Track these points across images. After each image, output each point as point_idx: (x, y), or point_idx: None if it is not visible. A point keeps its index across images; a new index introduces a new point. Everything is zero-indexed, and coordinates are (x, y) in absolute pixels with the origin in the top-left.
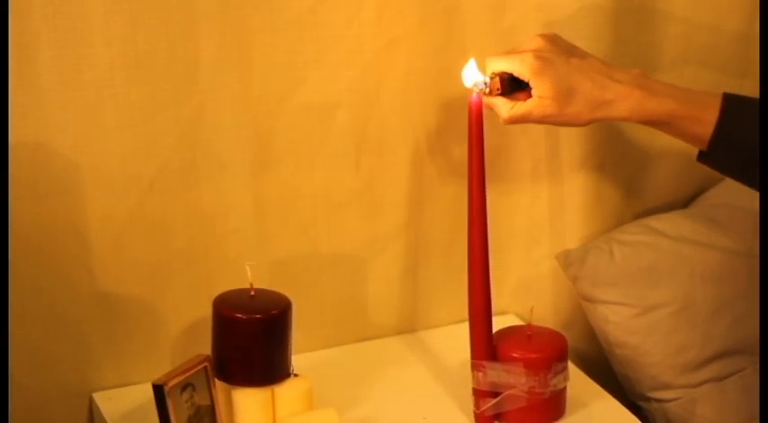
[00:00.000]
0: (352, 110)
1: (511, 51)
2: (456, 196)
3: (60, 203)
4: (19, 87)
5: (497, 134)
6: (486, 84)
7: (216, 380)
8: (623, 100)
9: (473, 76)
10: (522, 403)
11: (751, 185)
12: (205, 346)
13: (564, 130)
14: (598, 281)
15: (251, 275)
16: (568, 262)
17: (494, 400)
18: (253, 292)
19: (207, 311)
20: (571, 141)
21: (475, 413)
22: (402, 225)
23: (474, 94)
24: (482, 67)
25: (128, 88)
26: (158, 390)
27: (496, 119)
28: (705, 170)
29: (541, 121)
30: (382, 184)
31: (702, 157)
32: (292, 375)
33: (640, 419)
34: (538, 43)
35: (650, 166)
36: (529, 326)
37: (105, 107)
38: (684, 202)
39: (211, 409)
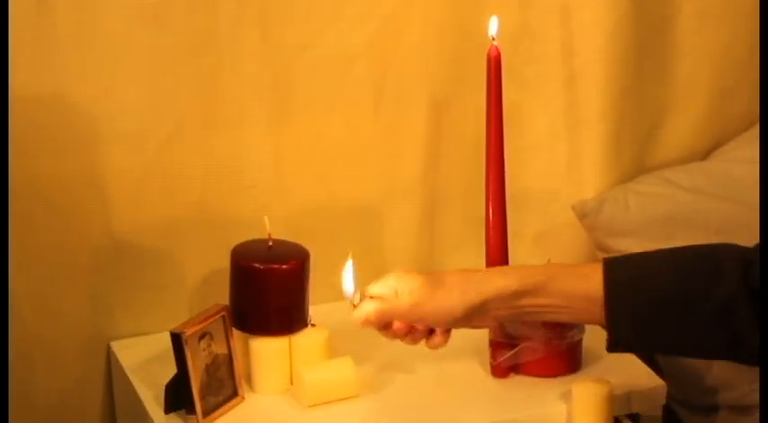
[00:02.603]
0: (370, 62)
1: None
2: (474, 148)
3: (78, 156)
4: (37, 39)
5: (516, 90)
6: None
7: (233, 329)
8: (494, 273)
9: (347, 286)
10: (538, 355)
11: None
12: (223, 297)
13: (581, 85)
14: (613, 231)
15: (269, 226)
16: (584, 212)
17: (510, 352)
18: (271, 243)
19: (225, 262)
20: (589, 96)
21: (491, 364)
22: (419, 177)
23: (492, 47)
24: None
25: (146, 40)
26: (176, 338)
27: (515, 73)
28: (722, 124)
29: (414, 314)
30: (400, 135)
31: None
32: (309, 325)
33: (655, 371)
34: None
35: (667, 119)
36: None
37: (123, 59)
38: (701, 155)
39: (229, 358)
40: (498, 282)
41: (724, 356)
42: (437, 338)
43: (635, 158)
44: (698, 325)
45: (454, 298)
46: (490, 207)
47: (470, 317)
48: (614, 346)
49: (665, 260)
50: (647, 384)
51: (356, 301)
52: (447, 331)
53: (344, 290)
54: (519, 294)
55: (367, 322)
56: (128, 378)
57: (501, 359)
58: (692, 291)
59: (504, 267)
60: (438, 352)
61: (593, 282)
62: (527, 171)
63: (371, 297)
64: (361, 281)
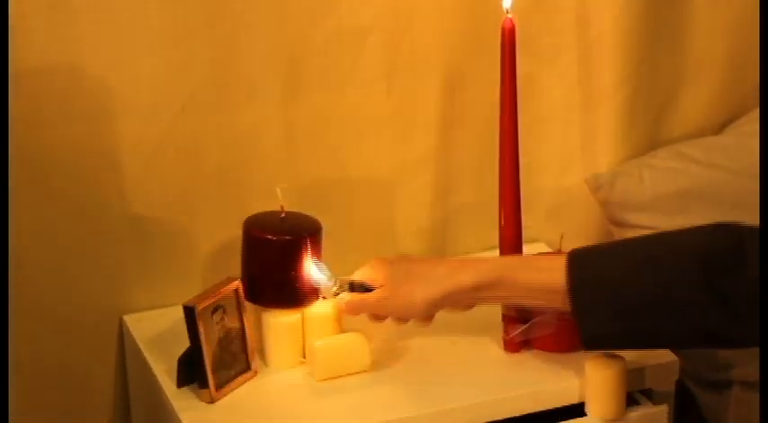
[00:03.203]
0: (383, 35)
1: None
2: (487, 122)
3: (92, 127)
4: (51, 9)
5: (529, 62)
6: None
7: (246, 302)
8: (454, 269)
9: (317, 278)
10: (550, 329)
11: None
12: (236, 269)
13: (596, 57)
14: (627, 205)
15: (282, 198)
16: (597, 185)
17: (523, 327)
18: (283, 215)
19: (237, 234)
20: (603, 68)
21: (504, 339)
22: (432, 150)
23: (507, 19)
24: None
25: (160, 11)
26: (189, 311)
27: (530, 46)
28: (737, 97)
29: (385, 306)
30: (413, 109)
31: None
32: (322, 298)
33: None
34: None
35: (682, 92)
36: (559, 252)
37: (137, 30)
38: (716, 129)
39: (241, 331)
40: (458, 276)
41: (701, 346)
42: (418, 323)
43: (649, 132)
44: (665, 320)
45: (417, 294)
46: (503, 180)
47: (435, 309)
48: (587, 344)
49: (628, 254)
50: (660, 360)
51: (335, 289)
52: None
53: (320, 283)
54: (479, 288)
55: (343, 313)
56: (140, 351)
57: (513, 334)
58: (655, 286)
59: (467, 261)
60: (451, 327)
61: (555, 275)
62: (541, 144)
63: (352, 283)
64: (374, 254)
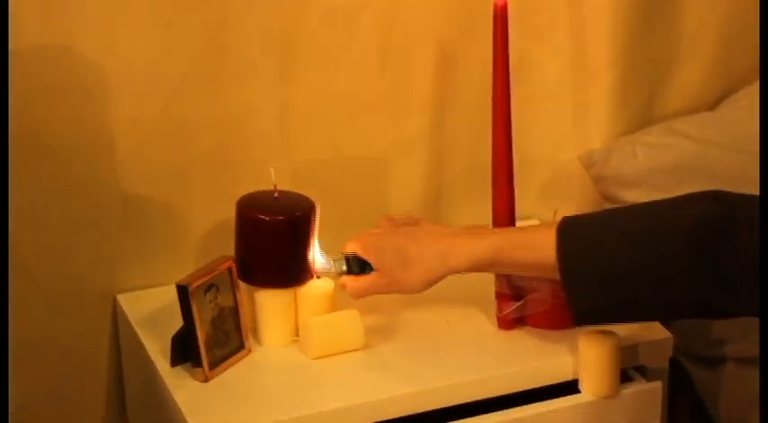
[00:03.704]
0: (377, 13)
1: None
2: (481, 100)
3: (85, 107)
4: None
5: (522, 39)
6: (333, 264)
7: (239, 281)
8: (446, 251)
9: (319, 259)
10: (544, 306)
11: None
12: (229, 249)
13: (589, 33)
14: (621, 182)
15: (275, 177)
16: (591, 162)
17: (516, 304)
18: (276, 194)
19: (231, 214)
20: (596, 46)
21: (498, 316)
22: (426, 129)
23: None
24: (325, 250)
25: None
26: (182, 290)
27: (522, 22)
28: (731, 73)
29: (385, 290)
30: (407, 87)
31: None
32: (315, 277)
33: (662, 323)
34: (379, 224)
35: (675, 68)
36: (553, 224)
37: (131, 10)
38: (710, 105)
39: (235, 310)
40: (451, 261)
41: (694, 317)
42: None
43: (643, 108)
44: (658, 291)
45: (412, 279)
46: (496, 158)
47: (432, 286)
48: (578, 318)
49: (618, 224)
50: (654, 336)
51: (337, 268)
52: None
53: (323, 265)
54: (472, 269)
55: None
56: (134, 330)
57: (507, 311)
58: (646, 256)
59: (459, 239)
60: (444, 305)
61: (546, 252)
62: (534, 121)
63: (347, 258)
64: None
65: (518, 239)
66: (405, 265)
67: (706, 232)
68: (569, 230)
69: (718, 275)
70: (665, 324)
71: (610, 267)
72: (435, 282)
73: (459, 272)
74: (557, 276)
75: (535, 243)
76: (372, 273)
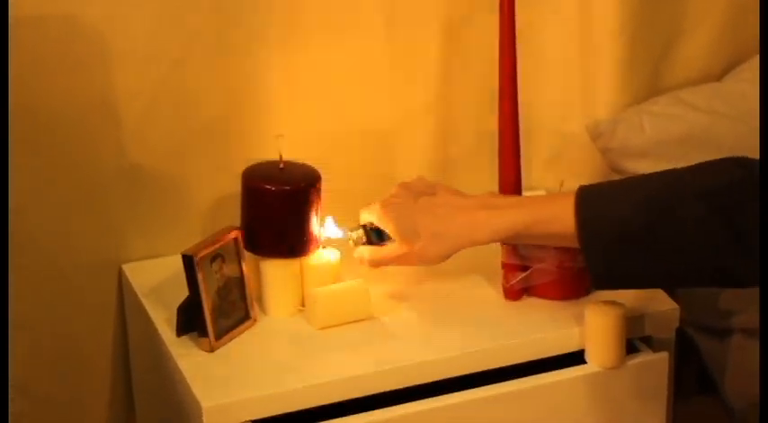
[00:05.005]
0: None
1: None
2: (487, 71)
3: (88, 77)
4: None
5: (529, 10)
6: (350, 234)
7: (245, 251)
8: (468, 227)
9: (334, 233)
10: (550, 277)
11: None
12: (235, 219)
13: (596, 4)
14: (628, 152)
15: (280, 148)
16: (598, 132)
17: (523, 274)
18: (282, 165)
19: (236, 184)
20: (603, 15)
21: (504, 287)
22: (432, 100)
23: None
24: (339, 223)
25: None
26: (188, 260)
27: None
28: (738, 43)
29: (404, 261)
30: (413, 58)
31: (586, 254)
32: (321, 248)
33: (668, 294)
34: (393, 191)
35: (683, 38)
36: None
37: None
38: (717, 75)
39: (240, 281)
40: (473, 236)
41: (713, 285)
42: None
43: (649, 78)
44: (678, 257)
45: (433, 250)
46: (503, 128)
47: (449, 256)
48: (596, 283)
49: (636, 190)
50: (660, 307)
51: (356, 238)
52: None
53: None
54: (494, 242)
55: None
56: (140, 301)
57: (513, 281)
58: (666, 223)
59: (481, 220)
60: (451, 275)
61: (567, 222)
62: (541, 91)
63: (365, 228)
64: None
65: (539, 214)
66: (424, 239)
67: (728, 197)
68: (587, 196)
69: (737, 240)
70: (672, 294)
71: (628, 231)
72: (453, 253)
73: (478, 245)
74: (576, 244)
75: (556, 215)
76: (390, 242)
